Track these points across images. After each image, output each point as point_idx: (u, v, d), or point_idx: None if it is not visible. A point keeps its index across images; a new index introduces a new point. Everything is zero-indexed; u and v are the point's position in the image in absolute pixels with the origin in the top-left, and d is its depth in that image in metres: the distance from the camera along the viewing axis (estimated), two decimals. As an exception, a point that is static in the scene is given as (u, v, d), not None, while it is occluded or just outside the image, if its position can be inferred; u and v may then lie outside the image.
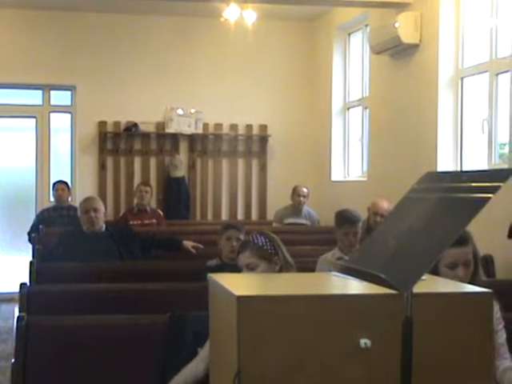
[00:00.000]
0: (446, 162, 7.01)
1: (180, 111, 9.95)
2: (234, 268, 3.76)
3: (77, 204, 7.00)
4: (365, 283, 2.12)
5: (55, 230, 6.92)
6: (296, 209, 8.91)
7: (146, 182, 9.45)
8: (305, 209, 8.98)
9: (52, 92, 10.04)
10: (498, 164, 6.46)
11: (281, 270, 3.57)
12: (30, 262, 5.43)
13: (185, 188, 9.97)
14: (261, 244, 3.59)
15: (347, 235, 5.38)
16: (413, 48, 7.40)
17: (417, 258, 1.93)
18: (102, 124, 9.83)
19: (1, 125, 10.13)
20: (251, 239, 3.65)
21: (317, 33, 10.21)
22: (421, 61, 7.35)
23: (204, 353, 3.19)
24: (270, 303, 2.23)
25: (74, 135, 9.97)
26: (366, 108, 9.01)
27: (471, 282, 3.09)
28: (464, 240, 3.15)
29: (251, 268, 3.53)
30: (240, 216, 10.24)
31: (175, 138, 10.03)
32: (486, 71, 6.64)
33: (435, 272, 2.99)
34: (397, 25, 7.24)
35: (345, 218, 5.46)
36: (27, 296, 4.27)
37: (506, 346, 3.09)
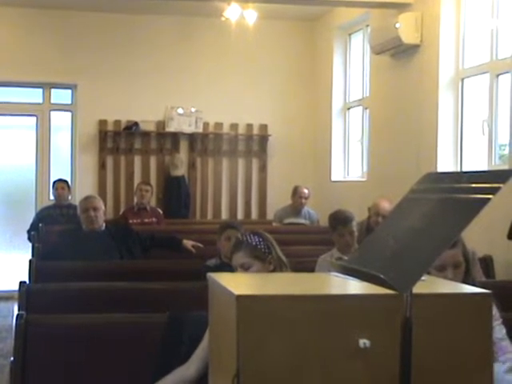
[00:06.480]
0: (446, 163, 7.01)
1: (180, 110, 9.95)
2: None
3: (77, 203, 7.00)
4: (364, 283, 2.12)
5: (55, 229, 6.91)
6: (296, 209, 8.91)
7: (146, 181, 9.46)
8: (305, 209, 8.98)
9: (52, 90, 10.05)
10: (498, 165, 6.46)
11: (274, 270, 3.53)
12: (30, 261, 5.42)
13: (185, 187, 9.96)
14: (254, 244, 3.55)
15: (342, 236, 5.39)
16: (413, 48, 7.40)
17: (416, 259, 1.93)
18: (103, 122, 9.83)
19: (1, 123, 10.13)
20: (245, 239, 3.60)
21: (317, 33, 10.21)
22: (421, 61, 7.34)
23: (197, 355, 3.17)
24: (270, 303, 2.22)
25: (75, 134, 9.98)
26: (366, 108, 9.01)
27: (464, 283, 3.09)
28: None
29: (245, 268, 3.49)
30: (240, 215, 10.24)
31: (175, 137, 10.03)
32: (486, 72, 6.65)
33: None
34: (397, 25, 7.24)
35: (337, 220, 5.48)
36: (26, 294, 4.27)
37: (508, 340, 3.07)
